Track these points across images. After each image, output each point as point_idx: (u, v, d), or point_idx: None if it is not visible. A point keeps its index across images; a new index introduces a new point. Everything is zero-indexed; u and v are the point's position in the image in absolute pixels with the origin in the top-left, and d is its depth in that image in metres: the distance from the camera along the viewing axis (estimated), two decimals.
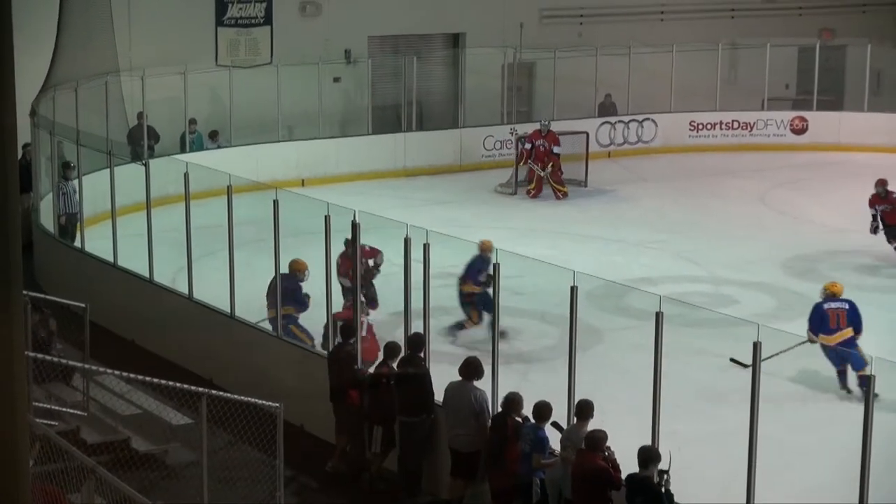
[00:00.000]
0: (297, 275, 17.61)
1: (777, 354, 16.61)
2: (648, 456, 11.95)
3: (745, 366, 15.18)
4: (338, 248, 16.78)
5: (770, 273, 22.81)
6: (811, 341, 17.03)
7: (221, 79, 30.23)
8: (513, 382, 14.14)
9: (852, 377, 16.81)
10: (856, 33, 36.85)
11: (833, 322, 17.30)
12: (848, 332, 17.26)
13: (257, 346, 17.55)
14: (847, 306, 17.49)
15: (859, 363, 16.53)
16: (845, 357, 16.93)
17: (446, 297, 17.74)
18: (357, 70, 32.78)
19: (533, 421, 13.09)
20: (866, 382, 16.12)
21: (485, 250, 18.18)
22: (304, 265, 17.56)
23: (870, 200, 23.43)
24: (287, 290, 17.40)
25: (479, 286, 18.12)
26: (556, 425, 13.09)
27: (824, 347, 17.06)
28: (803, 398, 16.50)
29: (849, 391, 16.90)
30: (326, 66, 31.63)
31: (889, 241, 23.20)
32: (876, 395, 15.55)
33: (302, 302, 17.61)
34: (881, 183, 23.55)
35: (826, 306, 17.47)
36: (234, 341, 17.94)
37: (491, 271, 17.38)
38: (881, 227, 23.22)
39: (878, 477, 11.11)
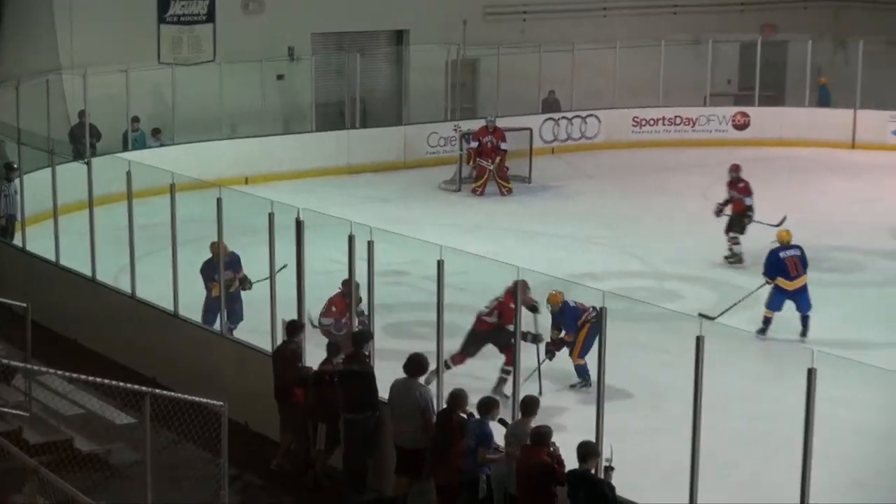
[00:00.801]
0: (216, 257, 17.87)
1: (739, 303, 17.13)
2: (587, 451, 11.99)
3: (713, 318, 15.61)
4: (283, 247, 16.67)
5: (712, 268, 22.98)
6: (768, 283, 19.19)
7: (164, 76, 30.09)
8: (458, 379, 14.15)
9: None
10: (797, 29, 37.10)
11: (792, 269, 19.12)
12: (804, 279, 19.10)
13: (201, 345, 17.49)
14: (799, 252, 19.35)
15: (807, 306, 19.01)
16: (797, 300, 19.03)
17: (391, 295, 17.73)
18: (300, 67, 32.70)
19: (478, 416, 13.11)
20: (805, 323, 18.68)
21: (552, 303, 17.27)
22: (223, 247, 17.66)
23: (727, 185, 23.86)
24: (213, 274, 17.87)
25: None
26: (501, 421, 13.12)
27: (774, 291, 19.12)
28: (750, 391, 16.56)
29: (763, 336, 19.02)
30: (270, 64, 31.55)
31: (726, 231, 23.51)
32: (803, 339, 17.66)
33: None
34: (734, 168, 23.92)
35: (782, 254, 19.24)
36: (177, 340, 17.86)
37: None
38: (726, 212, 23.54)
39: (820, 469, 11.19)
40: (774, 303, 19.24)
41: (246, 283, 18.31)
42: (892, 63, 34.19)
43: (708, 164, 32.43)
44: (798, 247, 19.54)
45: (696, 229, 25.55)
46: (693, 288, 21.72)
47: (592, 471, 12.00)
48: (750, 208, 23.36)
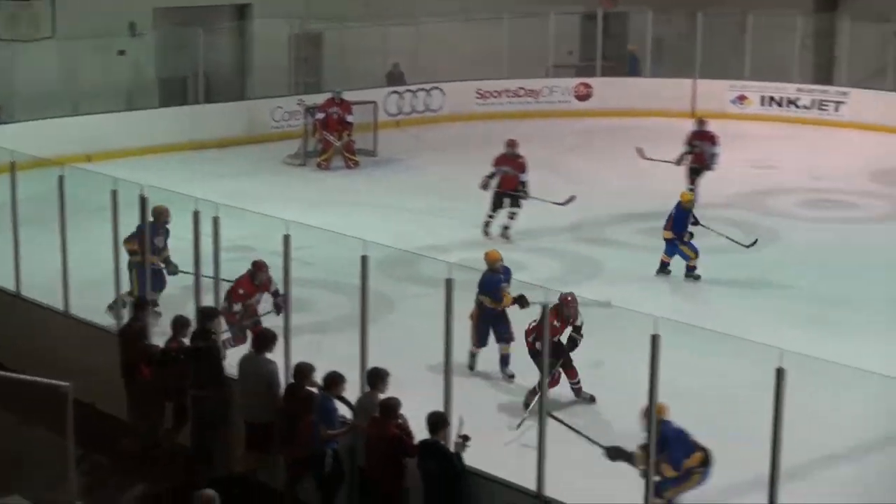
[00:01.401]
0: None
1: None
2: (437, 420, 12.11)
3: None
4: (127, 223, 16.51)
5: (557, 238, 23.26)
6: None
7: (2, 54, 29.52)
8: (306, 353, 14.14)
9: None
10: (637, 1, 37.50)
11: (667, 223, 20.92)
12: (667, 235, 20.89)
13: (45, 325, 17.26)
14: (674, 212, 20.86)
15: (684, 258, 20.85)
16: (677, 252, 20.88)
17: (237, 271, 17.57)
18: (143, 43, 32.29)
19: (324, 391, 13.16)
20: (690, 272, 20.91)
21: (491, 262, 16.91)
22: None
23: (497, 159, 23.81)
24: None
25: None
26: (342, 399, 13.18)
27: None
28: (599, 358, 16.76)
29: (664, 273, 21.07)
30: (111, 39, 31.09)
31: (492, 207, 23.66)
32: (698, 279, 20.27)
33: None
34: (511, 144, 23.90)
35: (673, 209, 20.93)
36: (20, 320, 17.62)
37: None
38: (492, 186, 23.58)
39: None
40: (666, 249, 20.99)
41: (170, 266, 18.04)
42: (733, 33, 34.85)
43: (551, 135, 32.77)
44: (683, 211, 20.80)
45: (539, 201, 25.77)
46: (538, 258, 21.96)
47: (442, 441, 12.11)
48: (523, 184, 23.48)
